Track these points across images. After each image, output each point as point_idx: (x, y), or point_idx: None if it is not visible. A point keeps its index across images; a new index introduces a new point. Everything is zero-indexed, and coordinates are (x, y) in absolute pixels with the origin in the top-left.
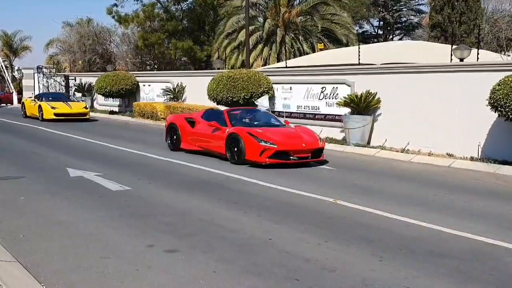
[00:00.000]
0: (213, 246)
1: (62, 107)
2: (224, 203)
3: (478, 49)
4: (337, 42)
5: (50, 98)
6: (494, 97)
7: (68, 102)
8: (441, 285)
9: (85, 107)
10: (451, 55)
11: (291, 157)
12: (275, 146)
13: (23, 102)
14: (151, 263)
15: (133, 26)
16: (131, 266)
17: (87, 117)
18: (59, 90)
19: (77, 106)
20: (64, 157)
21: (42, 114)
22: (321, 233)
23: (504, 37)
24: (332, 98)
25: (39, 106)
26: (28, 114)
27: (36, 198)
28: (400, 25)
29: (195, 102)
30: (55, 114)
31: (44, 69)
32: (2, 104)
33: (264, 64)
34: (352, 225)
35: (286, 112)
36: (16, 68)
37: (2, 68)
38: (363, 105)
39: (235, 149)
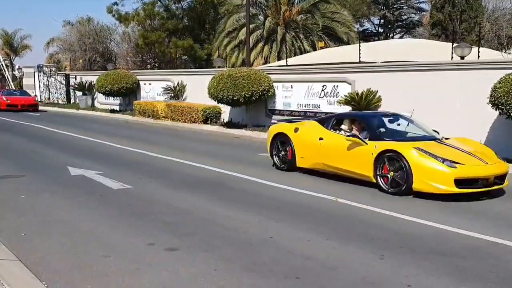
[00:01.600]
0: (214, 244)
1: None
2: (224, 202)
3: (479, 47)
4: (338, 40)
5: (383, 130)
6: (495, 95)
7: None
8: (441, 282)
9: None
10: (452, 53)
11: None
12: None
13: (277, 135)
14: (152, 262)
15: (133, 24)
16: (132, 265)
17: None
18: (60, 89)
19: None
20: (64, 156)
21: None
22: (322, 231)
23: (505, 35)
24: (333, 97)
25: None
26: (310, 164)
27: (37, 197)
28: (400, 23)
29: (196, 101)
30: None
31: (44, 68)
32: None
33: (265, 63)
34: (352, 223)
35: (286, 110)
36: (16, 67)
37: (3, 67)
38: (364, 104)
39: None
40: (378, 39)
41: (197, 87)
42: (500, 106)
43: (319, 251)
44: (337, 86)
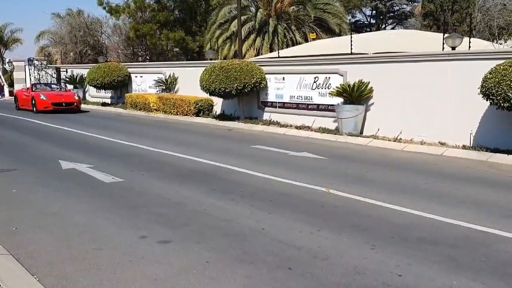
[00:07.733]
0: (206, 236)
1: None
2: (217, 194)
3: (470, 38)
4: (330, 32)
5: None
6: (486, 85)
7: None
8: (432, 272)
9: None
10: (443, 43)
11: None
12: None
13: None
14: (144, 254)
15: (124, 17)
16: (124, 257)
17: None
18: (51, 82)
19: None
20: (56, 149)
21: None
22: (314, 222)
23: (496, 26)
24: (325, 88)
25: None
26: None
27: (29, 190)
28: (392, 14)
29: (188, 93)
30: None
31: (35, 61)
32: None
33: (257, 55)
34: (344, 214)
35: (279, 102)
36: (7, 60)
37: None
38: (355, 95)
39: None
40: (370, 30)
41: (189, 80)
42: (491, 97)
43: (311, 242)
44: (329, 77)
